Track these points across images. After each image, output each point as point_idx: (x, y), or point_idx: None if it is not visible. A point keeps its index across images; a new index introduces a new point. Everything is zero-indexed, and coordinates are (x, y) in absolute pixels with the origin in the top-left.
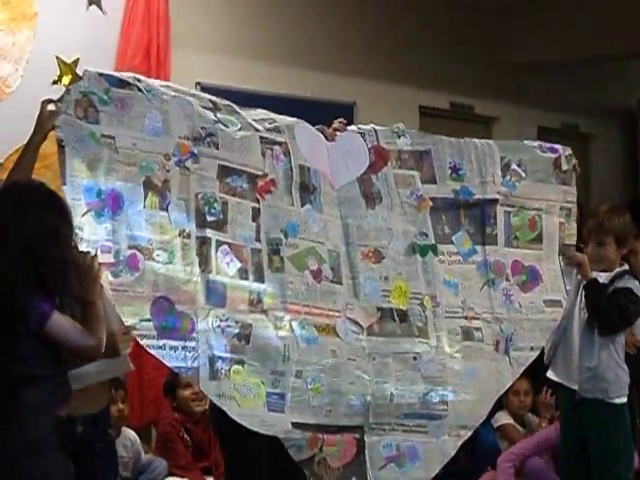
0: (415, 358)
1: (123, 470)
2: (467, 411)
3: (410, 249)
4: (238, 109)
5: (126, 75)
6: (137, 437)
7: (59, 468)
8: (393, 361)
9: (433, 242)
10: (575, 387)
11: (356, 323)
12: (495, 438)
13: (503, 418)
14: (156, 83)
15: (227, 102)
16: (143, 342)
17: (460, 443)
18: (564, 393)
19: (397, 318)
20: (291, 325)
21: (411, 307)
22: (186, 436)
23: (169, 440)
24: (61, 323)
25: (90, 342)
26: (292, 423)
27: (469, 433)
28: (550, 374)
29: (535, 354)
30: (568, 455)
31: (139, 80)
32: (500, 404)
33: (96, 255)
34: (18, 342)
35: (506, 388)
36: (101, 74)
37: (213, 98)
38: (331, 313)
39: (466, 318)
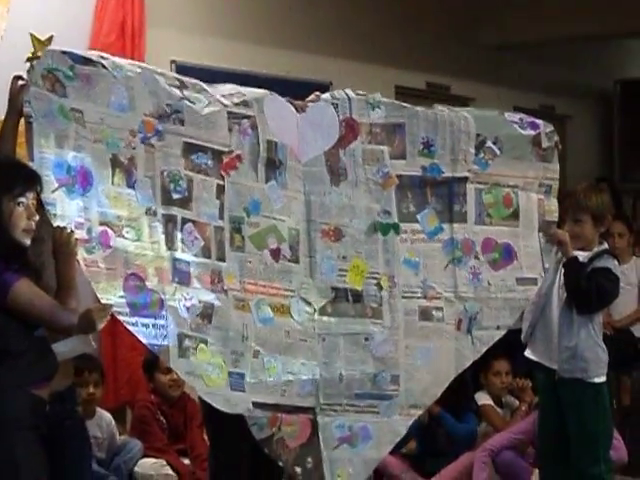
0: (367, 339)
1: (98, 451)
2: (420, 391)
3: (372, 227)
4: (206, 86)
5: (90, 53)
6: (112, 418)
7: (27, 449)
8: (344, 342)
9: (395, 221)
10: (555, 367)
11: (309, 303)
12: (474, 419)
13: (482, 399)
14: (122, 61)
15: (195, 80)
16: (119, 318)
17: (410, 422)
18: (543, 373)
19: (351, 298)
20: (249, 305)
21: (366, 287)
22: (162, 418)
23: (145, 422)
24: (26, 293)
25: (65, 316)
26: (252, 402)
27: (420, 412)
28: (528, 353)
29: (501, 333)
30: (546, 435)
31: (104, 58)
32: (479, 385)
33: (72, 231)
34: None
35: (466, 366)
36: (64, 52)
37: (180, 77)
38: (287, 293)
39: (425, 298)
